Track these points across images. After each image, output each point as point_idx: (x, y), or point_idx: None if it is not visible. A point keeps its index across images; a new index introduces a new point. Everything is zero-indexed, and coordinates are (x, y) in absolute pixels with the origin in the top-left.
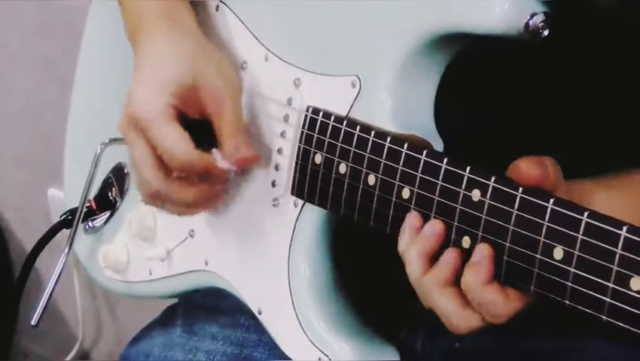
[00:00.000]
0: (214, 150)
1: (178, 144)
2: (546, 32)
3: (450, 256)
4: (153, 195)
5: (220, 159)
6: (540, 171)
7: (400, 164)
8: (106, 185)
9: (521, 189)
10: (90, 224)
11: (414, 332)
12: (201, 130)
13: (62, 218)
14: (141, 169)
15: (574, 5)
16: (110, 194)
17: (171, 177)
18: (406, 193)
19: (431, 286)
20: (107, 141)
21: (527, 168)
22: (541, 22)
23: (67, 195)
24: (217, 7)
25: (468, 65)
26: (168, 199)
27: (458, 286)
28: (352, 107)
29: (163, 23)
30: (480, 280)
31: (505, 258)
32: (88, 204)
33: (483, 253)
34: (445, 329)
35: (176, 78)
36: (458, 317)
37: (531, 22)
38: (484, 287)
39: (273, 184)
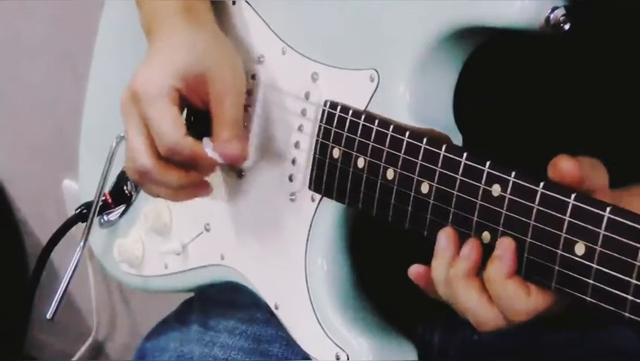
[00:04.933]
0: (205, 139)
1: (169, 126)
2: (567, 26)
3: (471, 246)
4: (137, 171)
5: (209, 149)
6: (579, 169)
7: (420, 158)
8: (121, 179)
9: (542, 184)
10: (105, 218)
11: (432, 326)
12: (202, 120)
13: (77, 211)
14: (131, 143)
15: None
16: (125, 188)
17: (159, 157)
18: (425, 188)
19: (457, 281)
20: (122, 134)
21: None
22: (562, 15)
23: (82, 188)
24: (234, 1)
25: (488, 59)
26: (151, 178)
27: (481, 280)
28: (370, 101)
29: (180, 18)
30: (502, 273)
31: (526, 253)
32: (103, 198)
33: (505, 246)
34: (462, 323)
35: (185, 64)
36: (483, 311)
37: (552, 15)
38: (506, 280)
39: (290, 178)
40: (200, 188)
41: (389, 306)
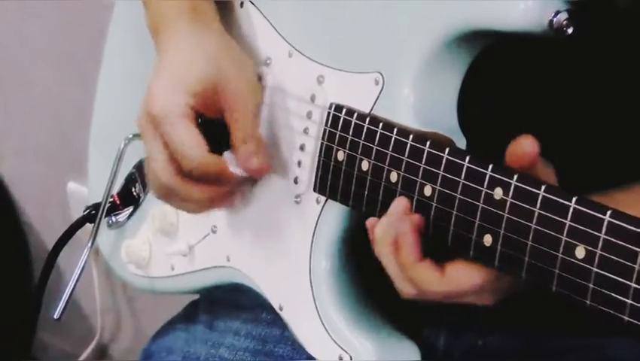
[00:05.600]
0: (226, 154)
1: (192, 147)
2: (570, 30)
3: (402, 218)
4: (163, 191)
5: (231, 165)
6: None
7: (423, 162)
8: (130, 180)
9: (543, 187)
10: (114, 219)
11: (437, 329)
12: (217, 127)
13: (85, 213)
14: (153, 165)
15: (597, 3)
16: (133, 189)
17: (182, 175)
18: (428, 191)
19: (382, 247)
20: (130, 136)
21: (531, 146)
22: (565, 19)
23: (91, 190)
24: (241, 4)
25: (492, 62)
26: (178, 196)
27: None
28: (374, 104)
29: (186, 20)
30: (409, 257)
31: (527, 257)
32: (111, 200)
33: (406, 231)
34: (468, 328)
35: (197, 79)
36: (399, 282)
37: (555, 19)
38: (415, 264)
39: (295, 181)
40: (226, 199)
41: (394, 308)
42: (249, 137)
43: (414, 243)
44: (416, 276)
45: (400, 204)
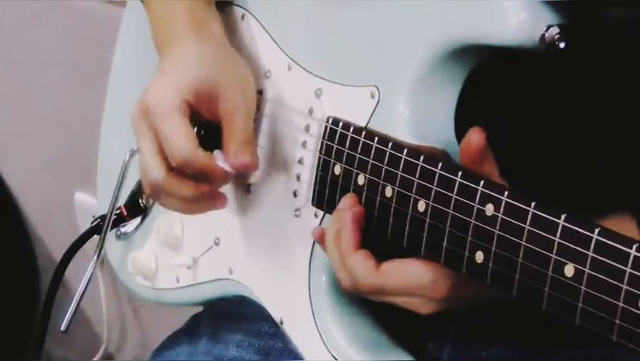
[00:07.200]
0: (216, 151)
1: (181, 139)
2: (562, 45)
3: (345, 213)
4: (152, 185)
5: (220, 160)
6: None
7: (417, 176)
8: (137, 192)
9: (533, 204)
10: (122, 230)
11: (441, 342)
12: (212, 133)
13: (93, 224)
14: (144, 158)
15: (586, 17)
16: (140, 200)
17: (170, 169)
18: (421, 206)
19: (329, 240)
20: (135, 148)
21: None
22: (557, 34)
23: (99, 201)
24: (242, 17)
25: (489, 76)
26: (166, 191)
27: None
28: (370, 117)
29: (190, 33)
30: (347, 245)
31: (517, 275)
32: (118, 211)
33: (346, 219)
34: (472, 340)
35: (196, 79)
36: (339, 272)
37: (547, 34)
38: (352, 252)
39: (295, 194)
40: (215, 200)
41: (397, 322)
42: (243, 139)
43: (352, 231)
44: (352, 265)
45: (345, 199)
